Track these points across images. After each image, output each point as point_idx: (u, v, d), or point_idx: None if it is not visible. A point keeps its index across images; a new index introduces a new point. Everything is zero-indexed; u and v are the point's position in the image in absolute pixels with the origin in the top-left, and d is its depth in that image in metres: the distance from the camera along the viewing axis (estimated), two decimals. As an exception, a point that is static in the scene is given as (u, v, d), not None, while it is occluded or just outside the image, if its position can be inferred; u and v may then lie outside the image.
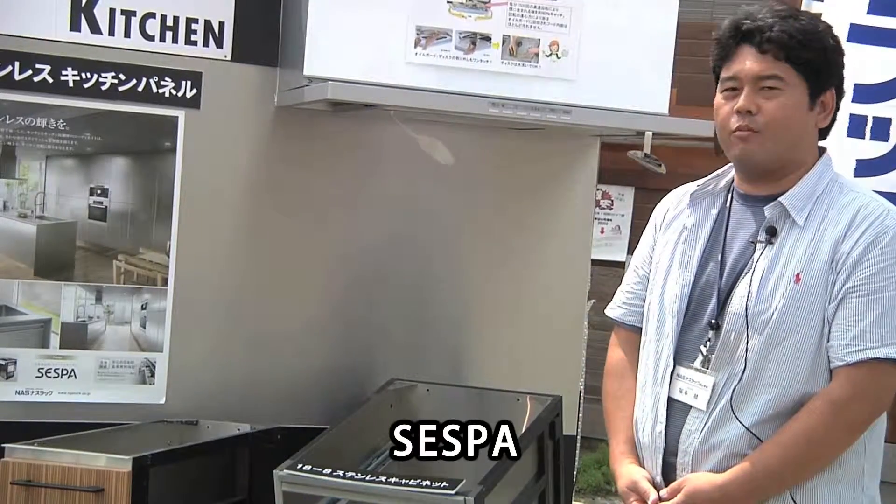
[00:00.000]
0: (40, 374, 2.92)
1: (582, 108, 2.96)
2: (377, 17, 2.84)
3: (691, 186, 2.24)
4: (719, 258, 2.10)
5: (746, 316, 2.00)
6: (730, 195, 2.15)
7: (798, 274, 1.98)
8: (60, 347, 2.94)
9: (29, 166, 2.91)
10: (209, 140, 3.03)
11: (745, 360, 2.00)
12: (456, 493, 2.36)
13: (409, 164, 3.21)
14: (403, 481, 2.42)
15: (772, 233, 2.03)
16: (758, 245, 2.04)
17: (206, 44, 3.01)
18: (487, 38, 2.90)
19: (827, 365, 1.98)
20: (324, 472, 2.48)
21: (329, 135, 3.14)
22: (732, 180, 2.18)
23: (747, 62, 2.01)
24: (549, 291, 3.37)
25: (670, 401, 2.11)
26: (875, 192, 3.44)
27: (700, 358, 2.07)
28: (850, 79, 3.51)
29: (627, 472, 2.20)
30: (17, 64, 2.86)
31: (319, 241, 3.17)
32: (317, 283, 3.17)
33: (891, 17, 3.48)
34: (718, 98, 2.08)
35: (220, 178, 3.06)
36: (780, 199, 2.03)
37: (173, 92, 2.99)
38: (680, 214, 2.21)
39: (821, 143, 2.14)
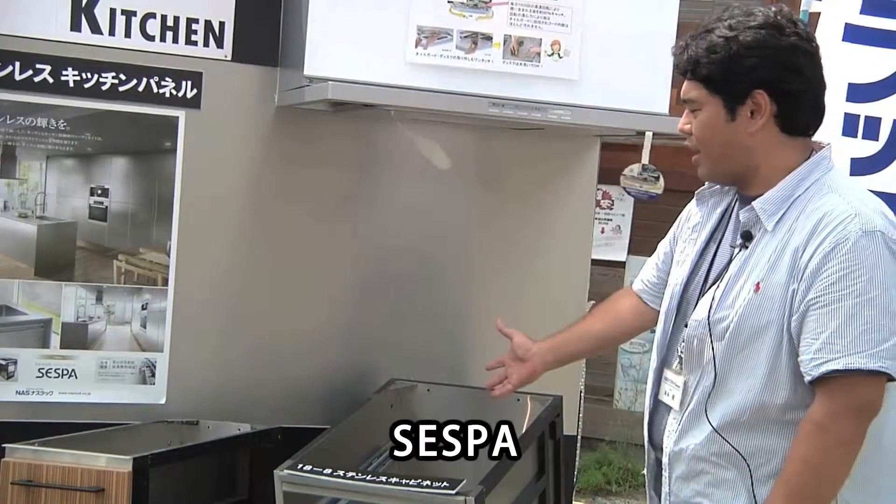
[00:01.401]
0: (41, 375, 2.92)
1: (582, 108, 2.96)
2: (378, 16, 2.83)
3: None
4: (710, 259, 2.11)
5: (709, 323, 2.00)
6: (736, 193, 2.15)
7: (758, 283, 1.96)
8: (61, 347, 2.94)
9: (29, 166, 2.91)
10: (209, 140, 3.03)
11: (714, 365, 2.00)
12: (457, 493, 2.36)
13: (409, 164, 3.21)
14: (404, 481, 2.42)
15: (747, 237, 2.02)
16: (734, 250, 2.04)
17: (206, 44, 3.01)
18: (489, 38, 2.90)
19: (785, 376, 1.96)
20: (324, 472, 2.48)
21: (329, 135, 3.14)
22: None
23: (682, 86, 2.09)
24: (549, 291, 3.37)
25: (659, 402, 2.15)
26: (869, 190, 3.45)
27: (677, 360, 2.10)
28: (844, 78, 3.52)
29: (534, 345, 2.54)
30: (17, 64, 2.86)
31: (319, 240, 3.17)
32: (317, 283, 3.17)
33: (882, 18, 3.49)
34: None
35: (220, 178, 3.06)
36: (753, 203, 2.02)
37: (174, 92, 2.99)
38: (692, 214, 2.24)
39: (818, 140, 2.10)
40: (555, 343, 2.55)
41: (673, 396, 2.09)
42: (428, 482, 2.40)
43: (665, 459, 2.11)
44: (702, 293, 2.09)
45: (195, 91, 3.01)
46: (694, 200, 2.24)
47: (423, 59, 2.86)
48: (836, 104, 3.51)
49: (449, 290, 3.31)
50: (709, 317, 2.00)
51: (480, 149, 3.30)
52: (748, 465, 1.99)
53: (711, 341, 2.00)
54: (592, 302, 3.97)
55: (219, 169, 3.05)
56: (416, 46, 2.86)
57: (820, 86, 2.07)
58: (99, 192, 2.97)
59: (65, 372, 2.94)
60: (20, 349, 2.91)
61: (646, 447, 2.22)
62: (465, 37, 2.89)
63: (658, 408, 2.16)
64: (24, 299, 2.91)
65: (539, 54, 2.95)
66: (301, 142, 3.12)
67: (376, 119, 3.08)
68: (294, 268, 3.14)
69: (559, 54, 2.96)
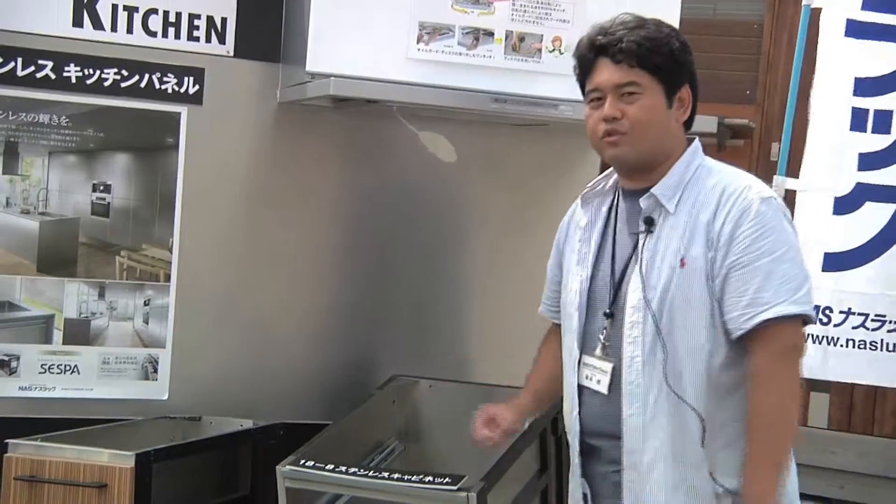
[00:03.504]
0: (43, 370, 2.92)
1: (583, 103, 2.95)
2: (380, 12, 2.83)
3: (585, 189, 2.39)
4: (610, 252, 2.24)
5: (647, 305, 2.12)
6: (617, 192, 2.29)
7: (682, 259, 2.12)
8: (63, 343, 2.94)
9: (32, 162, 2.91)
10: (211, 136, 3.03)
11: (661, 343, 2.11)
12: (458, 489, 2.37)
13: (411, 160, 3.21)
14: (406, 477, 2.42)
15: (649, 223, 2.17)
16: (640, 236, 2.18)
17: (208, 40, 3.01)
18: (490, 34, 2.90)
19: (724, 336, 2.11)
20: (326, 467, 2.48)
21: (331, 131, 3.14)
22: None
23: (606, 74, 2.17)
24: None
25: (581, 387, 2.24)
26: (878, 185, 3.45)
27: (599, 346, 2.21)
28: (851, 73, 3.51)
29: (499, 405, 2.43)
30: (19, 60, 2.86)
31: (321, 236, 3.17)
32: (319, 279, 3.17)
33: (885, 14, 3.49)
34: (586, 109, 2.24)
35: (222, 174, 3.06)
36: (651, 190, 2.17)
37: (176, 88, 2.99)
38: (580, 218, 2.35)
39: (691, 134, 2.27)
40: (532, 392, 2.52)
41: (598, 381, 2.20)
42: (430, 477, 2.41)
43: (634, 444, 2.15)
44: (614, 283, 2.20)
45: (197, 87, 3.01)
46: (579, 204, 2.35)
47: (424, 55, 2.86)
48: (842, 99, 3.51)
49: (451, 286, 3.32)
50: (645, 299, 2.13)
51: (482, 145, 3.30)
52: (704, 430, 2.10)
53: (655, 321, 2.12)
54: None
55: (221, 165, 3.05)
56: (417, 42, 2.86)
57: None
58: (101, 188, 2.97)
59: (67, 368, 2.94)
60: (23, 345, 2.91)
61: (572, 436, 2.27)
62: (467, 33, 2.89)
63: (583, 395, 2.24)
64: (26, 295, 2.91)
65: (540, 50, 2.95)
66: (303, 138, 3.12)
67: (378, 115, 3.08)
68: (296, 264, 3.14)
69: (560, 50, 2.96)
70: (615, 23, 2.19)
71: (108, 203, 2.98)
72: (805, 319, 2.12)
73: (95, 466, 2.55)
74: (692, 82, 2.21)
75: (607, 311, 2.19)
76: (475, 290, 3.35)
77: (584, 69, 2.21)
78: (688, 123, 2.24)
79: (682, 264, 2.11)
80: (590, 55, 2.19)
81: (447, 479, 2.40)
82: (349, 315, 3.21)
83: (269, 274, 3.11)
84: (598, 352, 2.20)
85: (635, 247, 2.18)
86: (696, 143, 2.24)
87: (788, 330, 2.09)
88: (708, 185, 2.15)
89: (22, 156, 2.90)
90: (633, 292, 2.14)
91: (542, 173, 3.37)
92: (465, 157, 3.23)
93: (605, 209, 2.28)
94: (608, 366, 2.17)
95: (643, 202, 2.17)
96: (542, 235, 3.35)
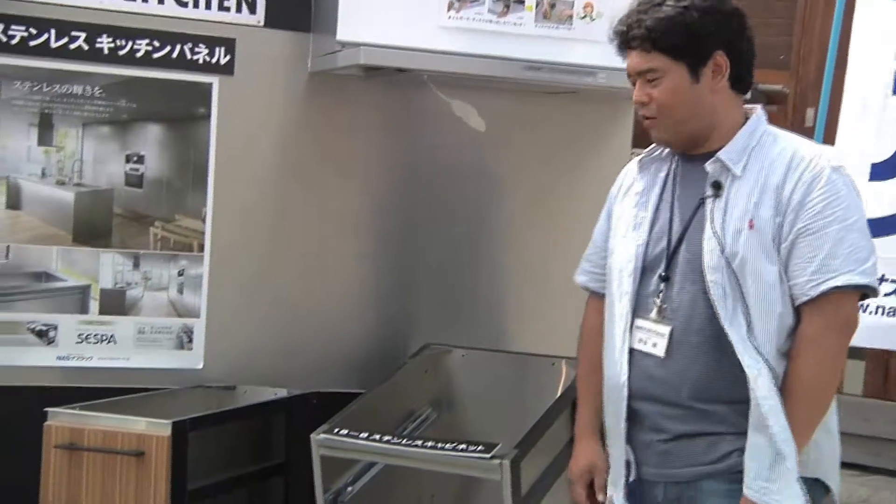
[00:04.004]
0: (80, 340, 2.96)
1: (616, 70, 2.91)
2: (410, -20, 2.82)
3: (642, 154, 2.39)
4: (668, 216, 2.24)
5: (728, 265, 2.11)
6: (675, 157, 2.29)
7: (751, 220, 2.13)
8: (100, 313, 2.97)
9: (66, 133, 2.93)
10: (243, 106, 3.04)
11: (743, 303, 2.11)
12: (492, 457, 2.38)
13: (442, 128, 3.20)
14: (440, 445, 2.44)
15: (717, 186, 2.17)
16: (707, 200, 2.18)
17: (239, 10, 3.01)
18: (521, 1, 2.88)
19: (792, 301, 2.12)
20: (360, 436, 2.50)
21: (362, 100, 3.14)
22: None
23: (630, 60, 2.20)
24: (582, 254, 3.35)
25: (631, 351, 2.23)
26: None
27: (655, 309, 2.20)
28: (893, 37, 3.46)
29: (586, 453, 2.33)
30: (52, 31, 2.87)
31: (354, 205, 3.17)
32: (352, 248, 3.18)
33: None
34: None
35: (254, 143, 3.07)
36: (717, 154, 2.17)
37: (207, 58, 2.99)
38: (634, 182, 2.35)
39: (752, 104, 2.25)
40: (594, 418, 2.42)
41: (655, 344, 2.19)
42: (464, 445, 2.42)
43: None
44: (670, 247, 2.20)
45: (228, 57, 3.01)
46: (635, 169, 2.35)
47: (455, 22, 2.84)
48: (885, 63, 3.46)
49: (483, 254, 3.31)
50: (725, 260, 2.12)
51: (514, 113, 3.28)
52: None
53: (735, 280, 2.12)
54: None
55: (252, 135, 3.06)
56: (448, 10, 2.84)
57: (753, 47, 2.24)
58: (135, 158, 2.98)
59: (104, 337, 2.97)
60: (60, 315, 2.94)
61: (615, 402, 2.23)
62: (498, 0, 2.86)
63: (633, 358, 2.22)
64: (62, 266, 2.94)
65: (571, 17, 2.92)
66: (334, 107, 3.12)
67: (409, 84, 3.07)
68: (329, 233, 3.15)
69: (591, 16, 2.94)
70: (633, 7, 2.19)
71: (142, 174, 2.99)
72: (867, 292, 2.12)
73: (133, 435, 2.58)
74: (729, 45, 2.17)
75: (663, 273, 2.19)
76: (507, 258, 3.34)
77: (622, 56, 2.24)
78: (741, 84, 2.20)
79: (751, 225, 2.12)
80: (616, 42, 2.22)
81: (480, 447, 2.41)
82: (382, 284, 3.22)
83: (301, 243, 3.12)
84: (653, 315, 2.20)
85: (696, 210, 2.18)
86: (760, 110, 2.24)
87: (848, 302, 2.10)
88: (774, 152, 2.16)
89: (56, 127, 2.92)
90: (709, 253, 2.13)
91: (574, 141, 3.35)
92: (498, 125, 3.22)
93: (662, 174, 2.29)
94: (665, 329, 2.17)
95: (709, 167, 2.17)
96: (576, 201, 3.35)
